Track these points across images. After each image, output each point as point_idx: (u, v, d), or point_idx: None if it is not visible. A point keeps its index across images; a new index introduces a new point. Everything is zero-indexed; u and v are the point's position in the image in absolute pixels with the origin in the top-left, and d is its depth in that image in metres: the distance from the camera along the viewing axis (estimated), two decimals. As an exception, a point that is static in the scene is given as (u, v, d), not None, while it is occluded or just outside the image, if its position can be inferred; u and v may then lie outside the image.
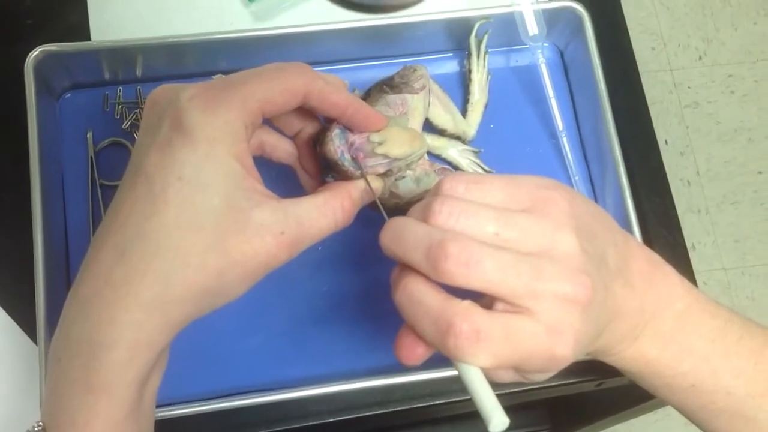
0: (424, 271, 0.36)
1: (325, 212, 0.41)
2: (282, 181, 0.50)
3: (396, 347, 0.38)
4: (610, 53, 0.61)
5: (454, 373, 0.37)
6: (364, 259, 0.56)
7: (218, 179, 0.37)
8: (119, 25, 0.62)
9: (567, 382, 0.56)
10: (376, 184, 0.46)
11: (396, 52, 0.61)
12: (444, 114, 0.58)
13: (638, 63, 0.66)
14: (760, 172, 1.60)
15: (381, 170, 0.46)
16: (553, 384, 0.56)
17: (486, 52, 0.60)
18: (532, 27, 0.59)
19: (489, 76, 0.60)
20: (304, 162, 0.48)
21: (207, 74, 0.58)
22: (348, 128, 0.45)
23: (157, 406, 0.41)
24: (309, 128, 0.47)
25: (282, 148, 0.47)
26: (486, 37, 0.60)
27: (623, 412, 0.83)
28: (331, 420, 0.54)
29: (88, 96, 0.59)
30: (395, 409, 0.55)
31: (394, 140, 0.45)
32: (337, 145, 0.44)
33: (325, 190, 0.43)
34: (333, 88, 0.42)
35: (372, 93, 0.52)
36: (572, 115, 0.62)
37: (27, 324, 0.54)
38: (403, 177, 0.49)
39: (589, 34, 0.59)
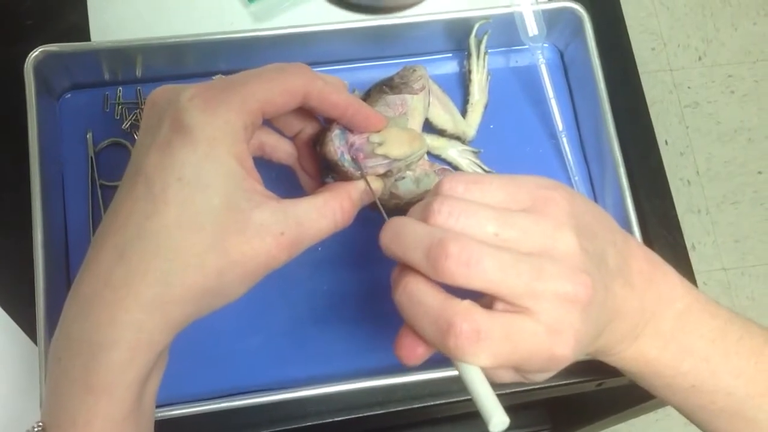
0: (424, 270, 0.36)
1: (324, 213, 0.41)
2: (282, 181, 0.50)
3: (396, 347, 0.38)
4: (609, 53, 0.61)
5: (454, 373, 0.37)
6: (364, 259, 0.56)
7: (218, 179, 0.37)
8: (119, 25, 0.62)
9: (567, 382, 0.56)
10: (376, 185, 0.46)
11: (396, 52, 0.61)
12: (444, 114, 0.58)
13: (638, 63, 0.66)
14: (760, 172, 1.60)
15: (381, 171, 0.46)
16: (554, 384, 0.56)
17: (486, 53, 0.60)
18: (532, 27, 0.59)
19: (489, 77, 0.60)
20: (304, 162, 0.48)
21: (207, 75, 0.58)
22: (348, 129, 0.45)
23: (157, 406, 0.41)
24: (309, 129, 0.47)
25: (282, 149, 0.47)
26: (486, 37, 0.60)
27: (623, 412, 0.83)
28: (330, 420, 0.54)
29: (88, 96, 0.59)
30: (395, 409, 0.55)
31: (394, 141, 0.45)
32: (336, 145, 0.44)
33: (324, 190, 0.43)
34: (333, 88, 0.42)
35: (372, 93, 0.52)
36: (572, 116, 0.62)
37: (27, 324, 0.54)
38: (403, 177, 0.49)
39: (589, 35, 0.59)
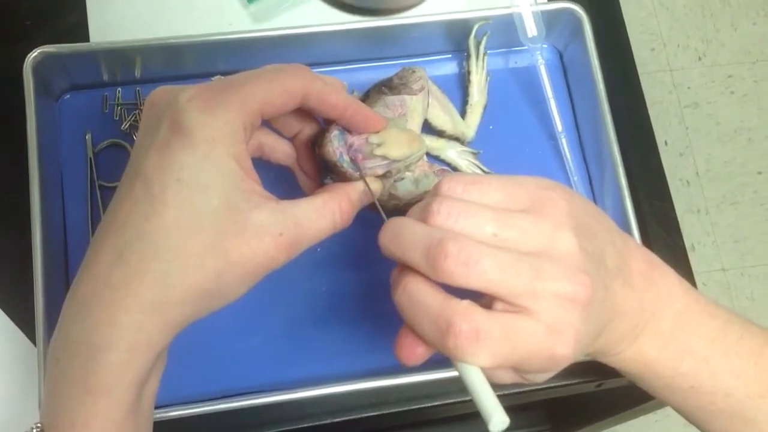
0: (423, 270, 0.36)
1: (323, 214, 0.41)
2: (281, 182, 0.50)
3: (396, 347, 0.38)
4: (609, 54, 0.61)
5: (453, 374, 0.37)
6: (363, 260, 0.56)
7: (217, 180, 0.37)
8: (118, 25, 0.62)
9: (567, 383, 0.56)
10: (375, 186, 0.46)
11: (395, 53, 0.61)
12: (443, 115, 0.58)
13: (638, 64, 0.66)
14: (759, 173, 1.60)
15: (380, 172, 0.46)
16: (553, 385, 0.56)
17: (485, 54, 0.60)
18: (531, 28, 0.59)
19: (488, 78, 0.60)
20: (303, 163, 0.48)
21: (206, 75, 0.58)
22: (347, 130, 0.45)
23: (156, 407, 0.41)
24: (308, 130, 0.47)
25: (281, 150, 0.47)
26: (485, 38, 0.60)
27: (623, 413, 0.83)
28: (329, 421, 0.54)
29: (87, 97, 0.59)
30: (393, 410, 0.55)
31: (393, 141, 0.45)
32: (335, 146, 0.44)
33: (323, 191, 0.43)
34: (332, 89, 0.42)
35: (371, 94, 0.52)
36: (571, 116, 0.62)
37: (26, 325, 0.54)
38: (402, 178, 0.49)
39: (588, 36, 0.59)
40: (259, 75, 0.41)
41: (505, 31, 0.60)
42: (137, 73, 0.59)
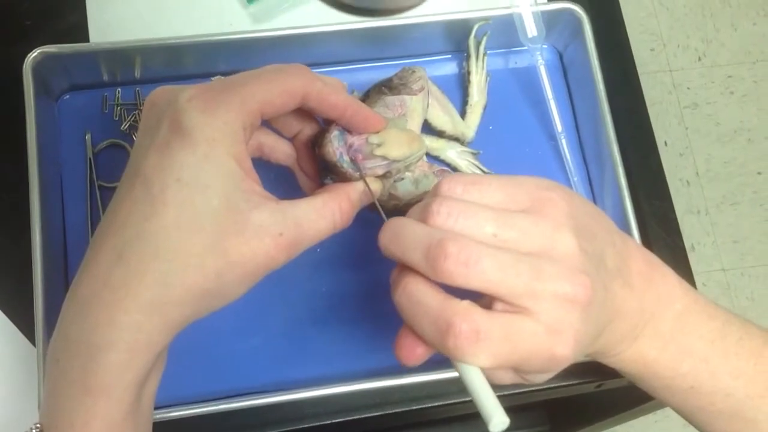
0: (423, 271, 0.36)
1: (323, 214, 0.41)
2: (280, 182, 0.50)
3: (396, 347, 0.38)
4: (609, 54, 0.61)
5: (453, 374, 0.37)
6: (363, 260, 0.56)
7: (217, 180, 0.37)
8: (118, 25, 0.62)
9: (567, 383, 0.56)
10: (375, 186, 0.46)
11: (395, 53, 0.61)
12: (443, 115, 0.58)
13: (637, 64, 0.66)
14: (759, 173, 1.60)
15: (380, 172, 0.46)
16: (553, 385, 0.56)
17: (485, 54, 0.60)
18: (531, 29, 0.59)
19: (488, 78, 0.60)
20: (303, 163, 0.48)
21: (206, 75, 0.58)
22: (347, 130, 0.45)
23: (156, 408, 0.41)
24: (308, 130, 0.46)
25: (281, 150, 0.47)
26: (485, 38, 0.60)
27: (623, 414, 0.83)
28: (329, 422, 0.54)
29: (87, 97, 0.59)
30: (393, 411, 0.55)
31: (393, 142, 0.45)
32: (335, 146, 0.44)
33: (323, 191, 0.43)
34: (332, 89, 0.42)
35: (371, 94, 0.52)
36: (571, 117, 0.62)
37: (25, 325, 0.54)
38: (402, 178, 0.49)
39: (588, 36, 0.59)
40: (259, 75, 0.41)
41: (505, 32, 0.60)
42: (137, 74, 0.59)
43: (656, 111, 1.61)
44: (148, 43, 0.56)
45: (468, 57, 0.60)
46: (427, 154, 0.58)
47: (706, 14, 1.71)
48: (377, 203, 0.45)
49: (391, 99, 0.51)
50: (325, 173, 0.46)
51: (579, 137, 0.62)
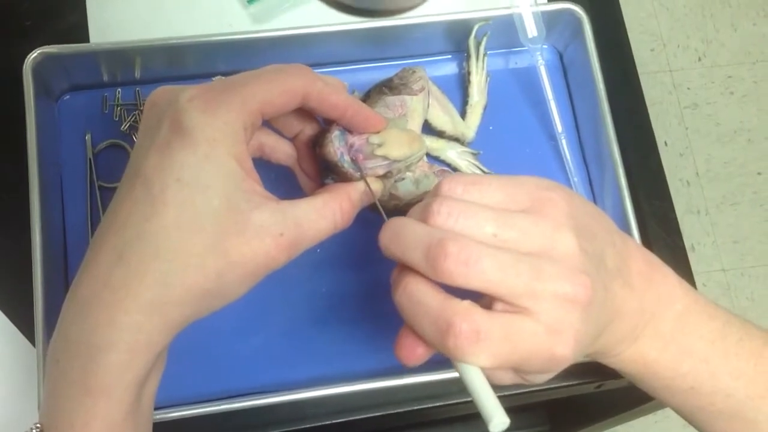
0: (423, 270, 0.36)
1: (324, 214, 0.41)
2: (281, 182, 0.50)
3: (396, 347, 0.38)
4: (609, 54, 0.61)
5: (453, 374, 0.37)
6: (364, 260, 0.56)
7: (218, 180, 0.37)
8: (118, 26, 0.62)
9: (567, 384, 0.56)
10: (376, 186, 0.46)
11: (395, 53, 0.61)
12: (443, 116, 0.58)
13: (637, 64, 0.66)
14: (759, 173, 1.60)
15: (380, 172, 0.46)
16: (553, 386, 0.56)
17: (485, 54, 0.60)
18: (531, 29, 0.59)
19: (488, 78, 0.60)
20: (304, 164, 0.48)
21: (206, 76, 0.58)
22: (347, 130, 0.45)
23: (156, 408, 0.41)
24: (308, 130, 0.46)
25: (281, 150, 0.47)
26: (485, 39, 0.60)
27: (623, 414, 0.83)
28: (329, 422, 0.54)
29: (87, 98, 0.59)
30: (394, 411, 0.55)
31: (394, 142, 0.45)
32: (336, 146, 0.44)
33: (324, 191, 0.43)
34: (332, 89, 0.42)
35: (371, 95, 0.52)
36: (571, 117, 0.62)
37: (25, 326, 0.54)
38: (403, 179, 0.49)
39: (588, 36, 0.59)
40: (259, 75, 0.41)
41: (505, 32, 0.60)
42: (137, 74, 0.59)
43: (656, 111, 1.61)
44: (148, 44, 0.56)
45: (468, 57, 0.60)
46: (428, 155, 0.58)
47: (706, 14, 1.71)
48: (378, 203, 0.45)
49: (391, 99, 0.51)
50: (325, 173, 0.46)
51: (579, 137, 0.62)
